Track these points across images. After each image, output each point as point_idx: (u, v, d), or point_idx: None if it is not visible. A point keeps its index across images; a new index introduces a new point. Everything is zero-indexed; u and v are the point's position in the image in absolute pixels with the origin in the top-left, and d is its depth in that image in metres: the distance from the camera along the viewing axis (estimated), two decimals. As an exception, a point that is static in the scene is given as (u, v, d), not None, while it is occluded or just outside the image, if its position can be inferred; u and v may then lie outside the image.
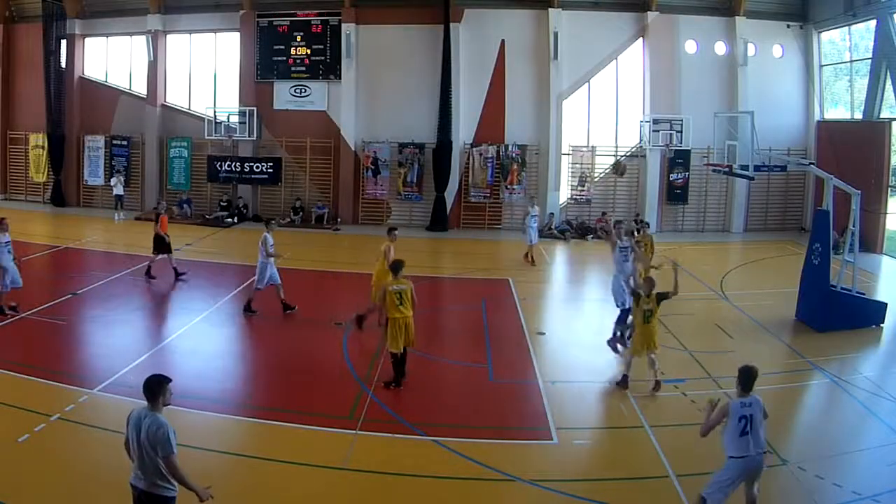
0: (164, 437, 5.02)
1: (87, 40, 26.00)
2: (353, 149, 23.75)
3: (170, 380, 5.32)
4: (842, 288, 12.90)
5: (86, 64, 26.05)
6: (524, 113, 23.31)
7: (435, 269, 17.69)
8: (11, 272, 11.98)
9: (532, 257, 18.16)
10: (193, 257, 18.18)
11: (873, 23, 20.39)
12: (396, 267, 9.73)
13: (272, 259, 12.59)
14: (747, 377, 6.16)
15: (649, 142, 22.82)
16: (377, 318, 10.39)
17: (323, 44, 23.80)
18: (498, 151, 23.16)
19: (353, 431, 8.20)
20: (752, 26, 22.92)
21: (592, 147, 23.70)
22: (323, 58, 23.85)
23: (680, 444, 8.12)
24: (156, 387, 5.20)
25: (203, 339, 11.69)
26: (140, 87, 25.40)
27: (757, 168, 14.13)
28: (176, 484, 5.17)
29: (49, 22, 24.95)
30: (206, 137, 24.14)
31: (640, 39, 23.22)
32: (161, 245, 15.14)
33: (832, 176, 13.04)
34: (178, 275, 15.17)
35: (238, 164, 24.23)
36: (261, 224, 23.38)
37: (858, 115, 21.71)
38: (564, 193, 23.67)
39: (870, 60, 20.72)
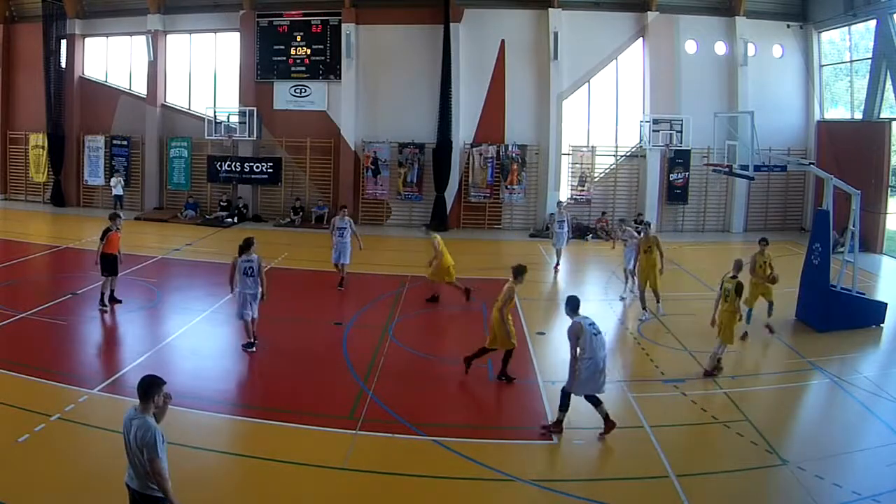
0: (151, 441, 4.97)
1: (87, 40, 26.00)
2: (353, 149, 23.75)
3: (164, 382, 5.19)
4: (842, 288, 12.90)
5: (86, 64, 26.05)
6: (524, 113, 23.31)
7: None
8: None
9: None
10: (193, 257, 18.21)
11: (873, 23, 20.39)
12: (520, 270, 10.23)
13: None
14: (574, 303, 8.32)
15: (649, 142, 22.81)
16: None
17: (323, 44, 23.81)
18: (498, 151, 23.16)
19: (353, 431, 8.19)
20: (752, 26, 22.92)
21: (592, 147, 23.71)
22: (323, 58, 23.85)
23: (680, 444, 8.13)
24: (148, 388, 5.10)
25: (203, 339, 11.68)
26: (140, 87, 25.40)
27: (757, 168, 14.10)
28: None
29: (49, 22, 24.98)
30: (206, 137, 24.12)
31: (640, 39, 23.23)
32: (109, 266, 12.78)
33: (832, 176, 13.04)
34: (113, 301, 12.98)
35: (238, 164, 24.25)
36: (261, 224, 23.69)
37: (858, 115, 21.71)
38: (564, 193, 23.66)
39: (870, 60, 20.73)
